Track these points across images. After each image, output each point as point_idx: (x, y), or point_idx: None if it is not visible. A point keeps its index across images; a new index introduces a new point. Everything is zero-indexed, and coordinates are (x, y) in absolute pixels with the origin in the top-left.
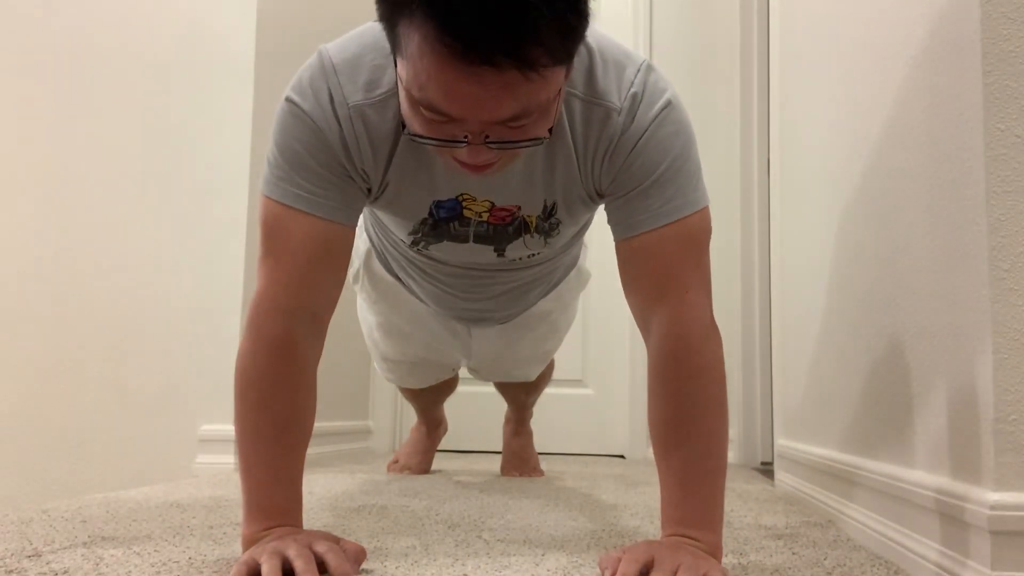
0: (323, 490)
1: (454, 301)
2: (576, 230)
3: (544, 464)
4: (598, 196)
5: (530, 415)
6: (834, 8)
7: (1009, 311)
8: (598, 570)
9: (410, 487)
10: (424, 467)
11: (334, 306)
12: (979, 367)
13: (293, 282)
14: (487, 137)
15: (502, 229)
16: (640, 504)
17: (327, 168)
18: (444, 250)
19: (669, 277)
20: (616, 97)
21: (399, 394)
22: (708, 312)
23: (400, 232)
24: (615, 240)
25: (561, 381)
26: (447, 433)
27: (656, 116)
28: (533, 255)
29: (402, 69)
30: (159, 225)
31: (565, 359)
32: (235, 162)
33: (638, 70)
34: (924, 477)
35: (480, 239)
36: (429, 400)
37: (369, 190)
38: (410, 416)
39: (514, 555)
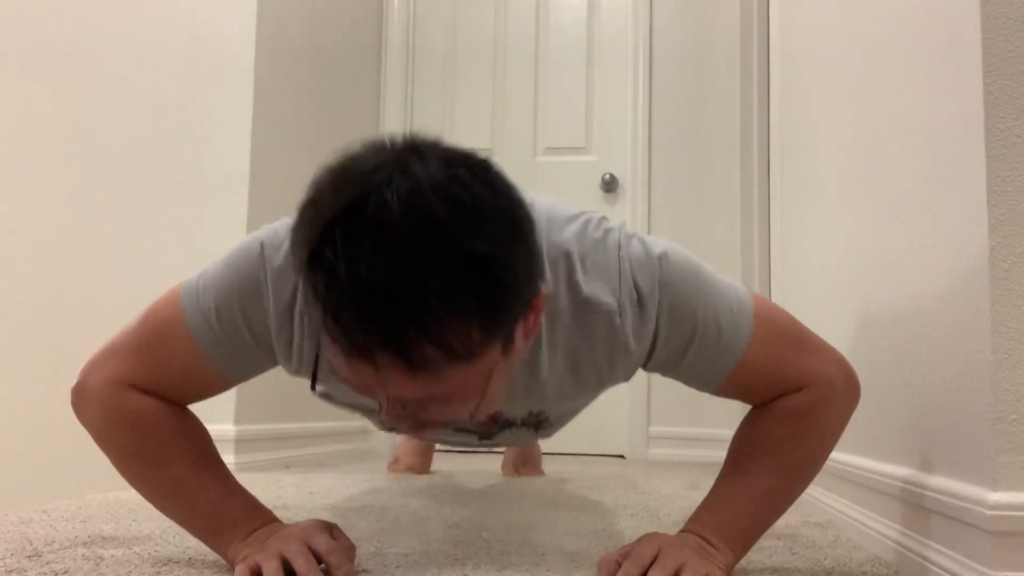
0: (323, 490)
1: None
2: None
3: (544, 464)
4: (615, 383)
5: None
6: (834, 8)
7: (1009, 311)
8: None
9: (410, 487)
10: (424, 467)
11: None
12: (979, 367)
13: (154, 388)
14: (403, 407)
15: (485, 426)
16: (640, 504)
17: (252, 335)
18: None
19: (780, 378)
20: (610, 298)
21: None
22: (834, 373)
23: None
24: (704, 392)
25: None
26: None
27: (660, 286)
28: (524, 442)
29: None
30: (159, 225)
31: None
32: (235, 162)
33: (617, 248)
34: (924, 477)
35: (460, 431)
36: None
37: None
38: None
39: (514, 555)
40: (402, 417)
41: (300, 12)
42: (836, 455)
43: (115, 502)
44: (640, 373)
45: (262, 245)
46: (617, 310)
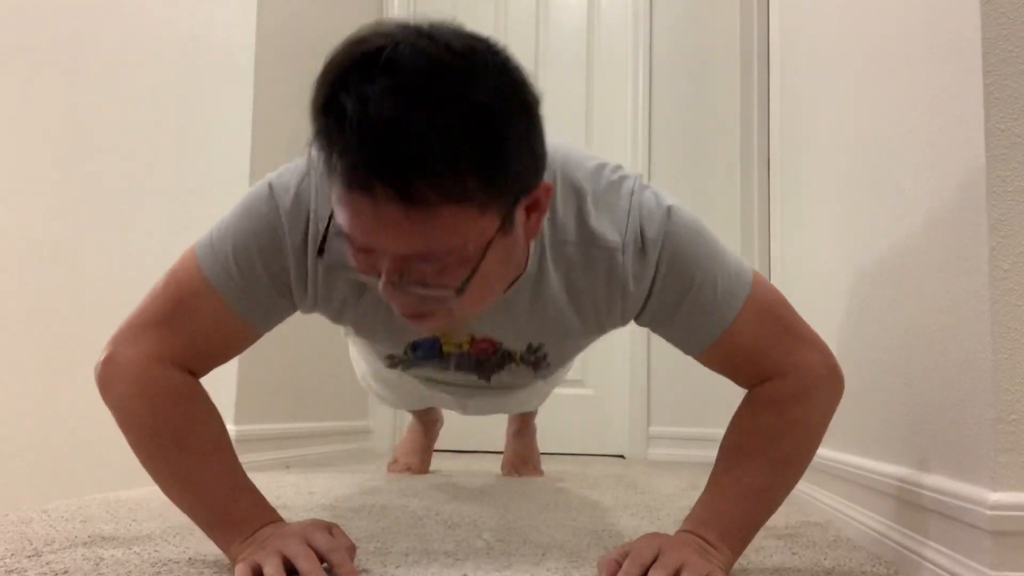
0: (323, 490)
1: (444, 395)
2: (572, 361)
3: (544, 464)
4: (615, 327)
5: (534, 414)
6: (834, 8)
7: (1009, 311)
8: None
9: (410, 487)
10: (424, 466)
11: None
12: (979, 367)
13: (183, 356)
14: (401, 276)
15: (485, 359)
16: (640, 504)
17: (270, 277)
18: (425, 371)
19: (763, 359)
20: (615, 235)
21: None
22: (819, 364)
23: (374, 356)
24: (687, 355)
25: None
26: (448, 433)
27: (664, 232)
28: (523, 382)
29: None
30: (159, 225)
31: None
32: (235, 162)
33: (630, 194)
34: (924, 477)
35: (462, 367)
36: (425, 408)
37: (325, 315)
38: (409, 415)
39: (514, 555)
40: (398, 289)
41: (300, 12)
42: (836, 455)
43: (115, 502)
44: (640, 374)
45: (271, 186)
46: (621, 248)
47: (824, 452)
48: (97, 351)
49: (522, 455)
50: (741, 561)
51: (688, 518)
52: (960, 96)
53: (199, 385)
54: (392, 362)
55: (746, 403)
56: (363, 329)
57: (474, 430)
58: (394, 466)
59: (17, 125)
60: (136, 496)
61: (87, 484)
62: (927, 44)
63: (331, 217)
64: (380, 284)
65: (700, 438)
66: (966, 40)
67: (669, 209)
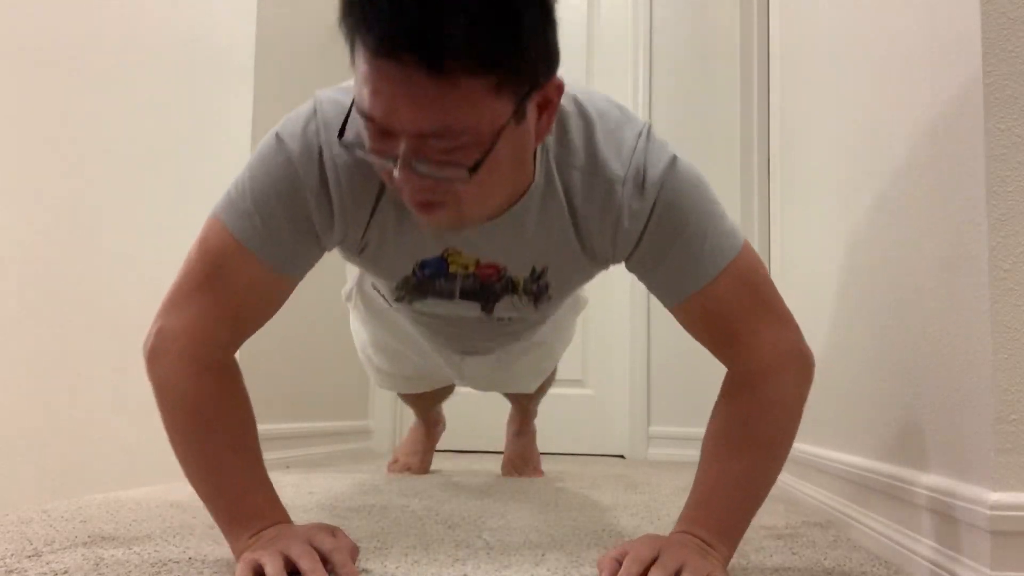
0: (323, 490)
1: (444, 340)
2: (571, 299)
3: (544, 464)
4: (608, 262)
5: (534, 414)
6: (834, 8)
7: (1009, 311)
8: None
9: (410, 487)
10: (424, 467)
11: None
12: (979, 367)
13: (227, 319)
14: (416, 156)
15: (489, 286)
16: (640, 504)
17: (293, 222)
18: (429, 305)
19: (737, 324)
20: (618, 167)
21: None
22: (789, 343)
23: (382, 287)
24: (666, 307)
25: (561, 381)
26: (448, 433)
27: (665, 177)
28: (523, 317)
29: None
30: (158, 225)
31: (565, 359)
32: (235, 162)
33: (638, 135)
34: (924, 477)
35: (466, 295)
36: (428, 403)
37: (346, 246)
38: (410, 416)
39: (514, 555)
40: (412, 171)
41: (300, 12)
42: (836, 454)
43: (115, 502)
44: (640, 374)
45: (277, 136)
46: (621, 181)
47: (824, 451)
48: (97, 350)
49: (522, 455)
50: (741, 561)
51: (682, 519)
52: (960, 96)
53: (240, 373)
54: (399, 294)
55: (721, 393)
56: (378, 255)
57: (474, 430)
58: (394, 466)
59: (17, 125)
60: (136, 496)
61: (87, 484)
62: (927, 44)
63: (351, 109)
64: (396, 169)
65: (700, 438)
66: (966, 40)
67: (674, 157)
